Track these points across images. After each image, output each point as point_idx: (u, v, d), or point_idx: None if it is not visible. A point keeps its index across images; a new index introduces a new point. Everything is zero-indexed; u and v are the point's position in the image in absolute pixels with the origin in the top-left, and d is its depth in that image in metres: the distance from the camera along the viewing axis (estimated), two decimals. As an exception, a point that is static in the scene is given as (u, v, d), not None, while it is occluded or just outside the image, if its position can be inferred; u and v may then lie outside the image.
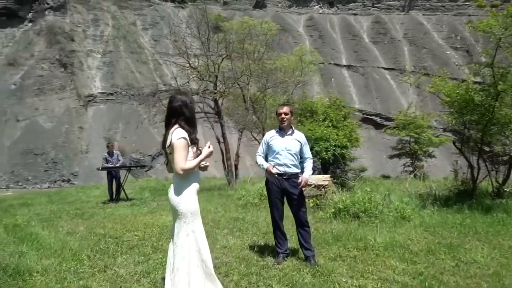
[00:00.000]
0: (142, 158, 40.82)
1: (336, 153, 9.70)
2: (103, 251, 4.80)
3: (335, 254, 4.56)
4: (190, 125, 2.98)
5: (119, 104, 45.96)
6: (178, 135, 2.88)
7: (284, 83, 24.90)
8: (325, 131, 10.02)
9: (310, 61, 28.24)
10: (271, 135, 4.52)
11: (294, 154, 4.39)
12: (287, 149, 4.36)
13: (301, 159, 4.53)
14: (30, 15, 50.57)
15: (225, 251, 4.84)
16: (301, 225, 4.41)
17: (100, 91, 46.83)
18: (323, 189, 8.53)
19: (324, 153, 9.77)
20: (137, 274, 3.94)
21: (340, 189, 9.65)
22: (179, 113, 2.99)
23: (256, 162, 4.60)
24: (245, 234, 5.78)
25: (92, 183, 26.25)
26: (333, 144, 9.90)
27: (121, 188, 11.26)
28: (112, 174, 11.32)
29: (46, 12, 51.06)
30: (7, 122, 39.17)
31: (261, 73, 23.07)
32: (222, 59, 13.19)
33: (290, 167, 4.36)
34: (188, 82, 13.06)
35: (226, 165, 13.40)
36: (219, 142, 13.52)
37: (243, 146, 16.07)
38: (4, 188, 30.94)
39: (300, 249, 4.45)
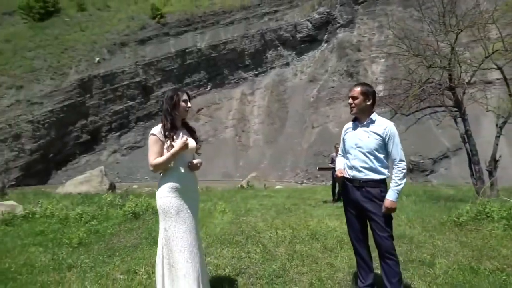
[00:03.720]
0: (422, 161, 37.98)
1: None
2: (222, 242, 5.31)
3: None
4: (165, 118, 2.93)
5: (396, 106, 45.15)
6: (151, 131, 2.92)
7: None
8: None
9: None
10: (346, 128, 3.43)
11: (368, 152, 3.12)
12: (357, 146, 3.18)
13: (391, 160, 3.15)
14: (325, 36, 59.09)
15: (325, 268, 4.12)
16: (383, 255, 3.10)
17: (381, 95, 47.83)
18: None
19: None
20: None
21: None
22: (162, 108, 3.02)
23: None
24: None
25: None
26: None
27: (338, 189, 11.37)
28: (334, 174, 11.61)
29: (338, 31, 58.08)
30: (306, 129, 47.81)
31: None
32: (457, 36, 10.39)
33: (362, 171, 3.13)
34: (410, 73, 11.33)
35: (474, 171, 10.33)
36: (464, 141, 10.66)
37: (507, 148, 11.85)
38: (299, 183, 37.95)
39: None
